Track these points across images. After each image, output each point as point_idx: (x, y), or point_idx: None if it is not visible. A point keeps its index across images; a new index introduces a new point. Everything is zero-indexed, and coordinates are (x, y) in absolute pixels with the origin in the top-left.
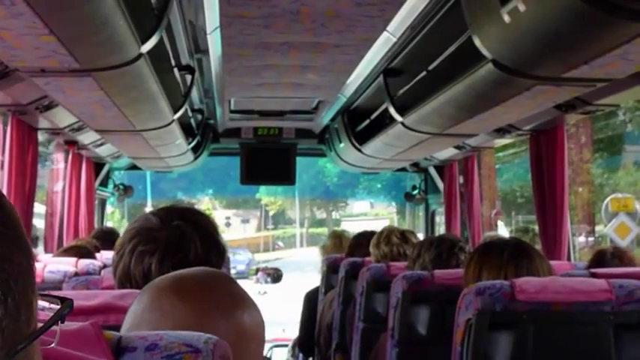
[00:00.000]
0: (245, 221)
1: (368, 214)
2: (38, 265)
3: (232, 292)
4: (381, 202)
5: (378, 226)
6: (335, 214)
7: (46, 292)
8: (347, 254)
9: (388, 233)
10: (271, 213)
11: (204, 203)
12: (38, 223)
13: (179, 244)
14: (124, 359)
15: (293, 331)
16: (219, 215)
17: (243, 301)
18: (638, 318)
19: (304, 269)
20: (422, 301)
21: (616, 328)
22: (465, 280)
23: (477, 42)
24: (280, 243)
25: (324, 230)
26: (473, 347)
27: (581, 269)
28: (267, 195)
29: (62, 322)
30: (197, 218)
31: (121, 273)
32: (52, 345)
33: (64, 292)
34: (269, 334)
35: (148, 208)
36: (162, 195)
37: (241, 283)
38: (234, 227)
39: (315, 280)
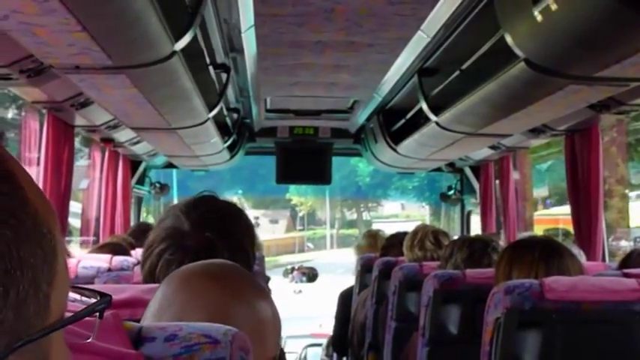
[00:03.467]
0: (274, 222)
1: (399, 216)
2: (72, 261)
3: (256, 283)
4: (414, 202)
5: (410, 228)
6: (366, 215)
7: (82, 286)
8: (380, 254)
9: (422, 236)
10: (301, 214)
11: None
12: (75, 222)
13: (207, 257)
14: (143, 349)
15: (329, 327)
16: (249, 215)
17: (265, 293)
18: None
19: (335, 272)
20: (453, 300)
21: None
22: (495, 279)
23: (510, 41)
24: (310, 244)
25: (354, 232)
26: (502, 346)
27: (614, 270)
28: (298, 195)
29: (101, 318)
30: (228, 227)
31: (147, 272)
32: (90, 340)
33: (94, 286)
34: (305, 329)
35: None
36: (189, 194)
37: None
38: (263, 228)
39: (346, 282)
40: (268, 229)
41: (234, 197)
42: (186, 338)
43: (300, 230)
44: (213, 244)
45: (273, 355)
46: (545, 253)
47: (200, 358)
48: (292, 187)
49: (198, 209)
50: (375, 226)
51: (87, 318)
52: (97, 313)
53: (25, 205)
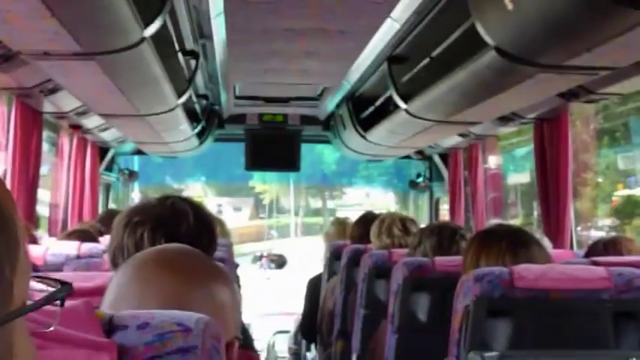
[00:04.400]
0: (237, 209)
1: (364, 205)
2: (40, 249)
3: (211, 265)
4: (381, 190)
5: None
6: (330, 204)
7: (44, 275)
8: (352, 241)
9: (390, 223)
10: (265, 201)
11: (196, 190)
12: (41, 209)
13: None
14: (115, 337)
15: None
16: (211, 203)
17: (220, 273)
18: (637, 306)
19: (300, 260)
20: (422, 287)
21: (615, 316)
22: (463, 267)
23: (480, 29)
24: (274, 232)
25: (319, 220)
26: (471, 334)
27: (581, 258)
28: (262, 182)
29: (62, 306)
30: (193, 201)
31: (115, 245)
32: (52, 328)
33: (64, 274)
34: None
35: (135, 194)
36: (149, 181)
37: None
38: (226, 216)
39: (312, 270)
40: (232, 217)
41: (197, 184)
42: (158, 326)
43: (263, 218)
44: (176, 207)
45: (234, 336)
46: (513, 244)
47: (172, 345)
48: (256, 175)
49: (164, 195)
50: (339, 214)
51: (56, 308)
52: (59, 301)
53: None
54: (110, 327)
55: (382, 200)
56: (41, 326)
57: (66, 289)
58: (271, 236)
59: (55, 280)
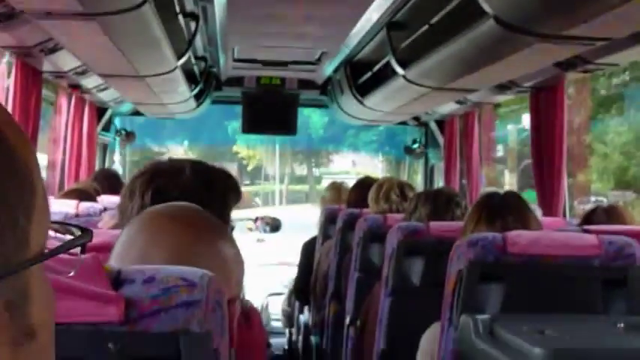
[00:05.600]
0: None
1: (350, 172)
2: None
3: (215, 222)
4: (369, 157)
5: None
6: (316, 172)
7: (63, 221)
8: (348, 206)
9: (388, 188)
10: (249, 168)
11: (177, 154)
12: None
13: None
14: (123, 291)
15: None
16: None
17: (224, 231)
18: (626, 273)
19: (284, 231)
20: (416, 252)
21: (604, 283)
22: (464, 233)
23: None
24: (257, 200)
25: (304, 187)
26: (464, 297)
27: (574, 226)
28: (246, 147)
29: (83, 253)
30: (206, 165)
31: (125, 194)
32: (72, 274)
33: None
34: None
35: (116, 156)
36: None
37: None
38: None
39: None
40: None
41: (180, 148)
42: (163, 281)
43: (247, 185)
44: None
45: (235, 294)
46: (506, 209)
47: (177, 299)
48: (240, 139)
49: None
50: (325, 183)
51: (69, 257)
52: (79, 248)
53: (1, 143)
54: (118, 281)
55: (369, 168)
56: (56, 274)
57: (87, 236)
58: (255, 204)
59: (75, 226)
